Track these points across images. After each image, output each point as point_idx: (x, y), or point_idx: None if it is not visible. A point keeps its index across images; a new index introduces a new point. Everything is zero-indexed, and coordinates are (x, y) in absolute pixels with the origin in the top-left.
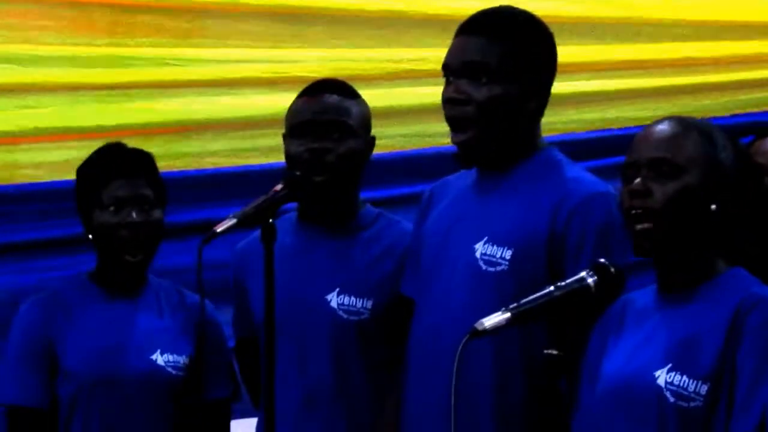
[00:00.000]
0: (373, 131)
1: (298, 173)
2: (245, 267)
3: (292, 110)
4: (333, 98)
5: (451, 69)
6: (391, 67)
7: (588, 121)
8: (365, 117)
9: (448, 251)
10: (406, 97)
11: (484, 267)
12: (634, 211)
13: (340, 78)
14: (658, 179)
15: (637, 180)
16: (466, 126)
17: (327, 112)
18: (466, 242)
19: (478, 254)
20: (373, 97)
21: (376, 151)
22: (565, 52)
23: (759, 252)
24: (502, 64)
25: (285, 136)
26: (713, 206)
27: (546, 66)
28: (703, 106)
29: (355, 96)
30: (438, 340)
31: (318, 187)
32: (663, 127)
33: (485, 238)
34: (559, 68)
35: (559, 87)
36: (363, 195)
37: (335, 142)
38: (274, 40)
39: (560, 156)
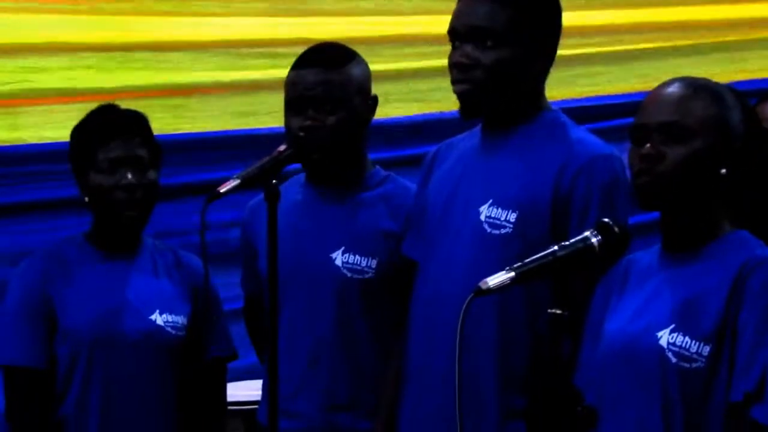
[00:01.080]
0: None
1: (293, 130)
2: (254, 225)
3: (286, 83)
4: (320, 72)
5: (457, 33)
6: (393, 30)
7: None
8: (359, 81)
9: (453, 213)
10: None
11: (488, 230)
12: (641, 180)
13: (341, 40)
14: (669, 143)
15: (648, 145)
16: (472, 85)
17: (315, 88)
18: (471, 204)
19: (482, 217)
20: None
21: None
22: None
23: (764, 215)
24: (508, 28)
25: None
26: (723, 170)
27: (551, 28)
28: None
29: (345, 62)
30: (442, 302)
31: (316, 163)
32: (673, 90)
33: (490, 201)
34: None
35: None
36: (376, 156)
37: (327, 115)
38: (276, 2)
39: (564, 118)
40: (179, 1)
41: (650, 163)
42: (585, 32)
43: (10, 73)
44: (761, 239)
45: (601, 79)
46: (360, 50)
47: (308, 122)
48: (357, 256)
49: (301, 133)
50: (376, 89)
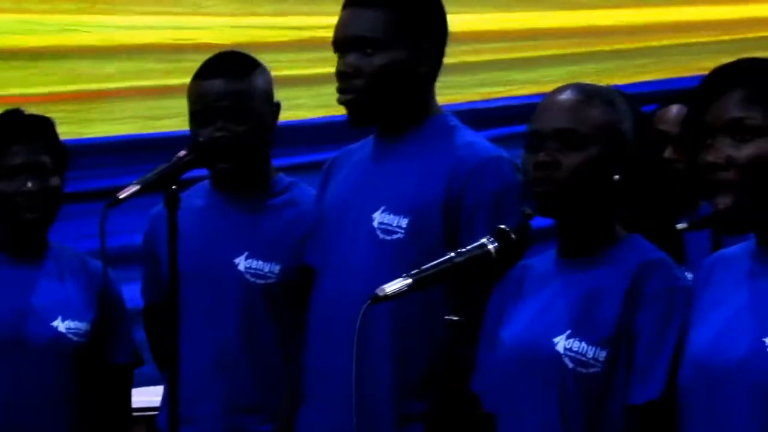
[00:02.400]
0: (279, 98)
1: (201, 139)
2: (156, 232)
3: (190, 93)
4: (227, 82)
5: (339, 44)
6: (295, 34)
7: (489, 89)
8: (264, 89)
9: (348, 220)
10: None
11: (381, 236)
12: (538, 182)
13: (243, 45)
14: (563, 150)
15: (542, 152)
16: (355, 94)
17: (223, 99)
18: (365, 211)
19: (375, 223)
20: (277, 65)
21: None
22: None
23: (655, 221)
24: (388, 34)
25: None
26: (616, 177)
27: (435, 31)
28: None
29: (250, 71)
30: (339, 308)
31: (224, 172)
32: (567, 96)
33: (382, 207)
34: (463, 36)
35: (463, 55)
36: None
37: (236, 125)
38: (178, 6)
39: (454, 121)
40: (85, 4)
41: (546, 171)
42: (490, 37)
43: None
44: (653, 243)
45: (502, 83)
46: (263, 55)
47: (218, 133)
48: (260, 261)
49: (206, 145)
50: (283, 93)
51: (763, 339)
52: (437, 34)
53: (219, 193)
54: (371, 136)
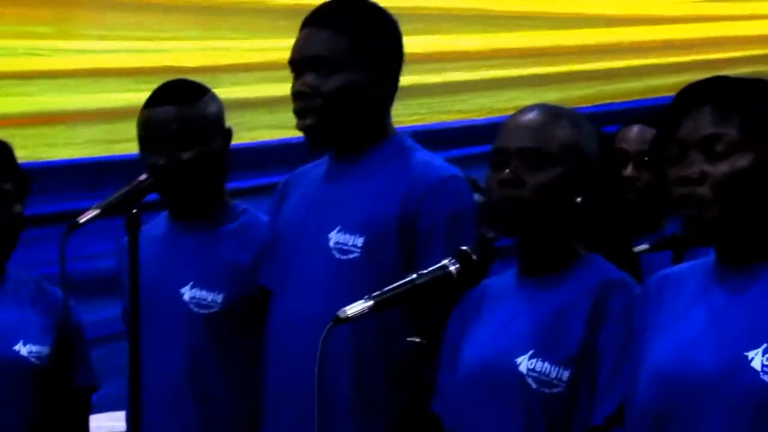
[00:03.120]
0: (240, 121)
1: (161, 162)
2: (123, 260)
3: (139, 122)
4: (174, 109)
5: (297, 63)
6: (257, 56)
7: (455, 110)
8: (213, 115)
9: (304, 240)
10: (272, 87)
11: (337, 255)
12: (503, 200)
13: (206, 68)
14: (528, 169)
15: (507, 170)
16: (314, 115)
17: (170, 125)
18: (321, 231)
19: (331, 243)
20: (240, 87)
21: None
22: (429, 42)
23: (613, 240)
24: (346, 55)
25: None
26: (579, 198)
27: (392, 53)
28: (569, 96)
29: (198, 98)
30: (298, 329)
31: (175, 197)
32: (532, 116)
33: (338, 227)
34: (424, 58)
35: (427, 77)
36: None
37: (183, 151)
38: (140, 30)
39: (410, 142)
40: (46, 28)
41: (510, 189)
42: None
43: None
44: (613, 263)
45: (461, 104)
46: (226, 76)
47: (163, 161)
48: (203, 291)
49: (158, 171)
50: (240, 116)
51: (745, 353)
52: (393, 56)
53: (174, 221)
54: (326, 156)
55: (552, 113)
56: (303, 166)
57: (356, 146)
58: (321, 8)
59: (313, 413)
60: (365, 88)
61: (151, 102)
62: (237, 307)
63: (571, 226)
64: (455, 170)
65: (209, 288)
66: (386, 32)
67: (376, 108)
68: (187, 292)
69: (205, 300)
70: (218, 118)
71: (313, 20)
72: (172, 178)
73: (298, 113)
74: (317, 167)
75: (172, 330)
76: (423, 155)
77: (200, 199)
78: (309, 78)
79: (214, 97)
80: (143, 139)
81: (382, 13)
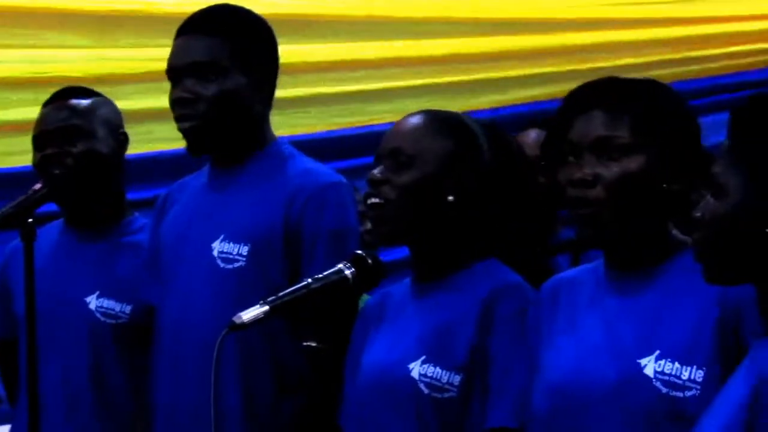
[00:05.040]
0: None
1: (57, 172)
2: (9, 268)
3: (34, 126)
4: (62, 106)
5: (176, 70)
6: (155, 65)
7: (347, 119)
8: (103, 115)
9: (186, 251)
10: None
11: (222, 265)
12: (371, 200)
13: (104, 77)
14: (395, 169)
15: (376, 170)
16: (196, 119)
17: (56, 121)
18: (204, 241)
19: (215, 252)
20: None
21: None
22: (320, 51)
23: (526, 245)
24: (225, 60)
25: None
26: (450, 197)
27: (269, 58)
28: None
29: (90, 96)
30: (185, 339)
31: (71, 195)
32: (408, 120)
33: (222, 236)
34: (313, 67)
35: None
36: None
37: (70, 146)
38: (37, 39)
39: (291, 149)
40: None
41: (376, 188)
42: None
43: None
44: (524, 270)
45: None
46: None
47: (50, 150)
48: (112, 301)
49: (42, 164)
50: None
51: (638, 361)
52: (270, 62)
53: (72, 229)
54: (206, 167)
55: (427, 117)
56: (183, 179)
57: (237, 152)
58: (197, 15)
59: (205, 421)
60: (245, 94)
61: (45, 103)
62: (143, 318)
63: (451, 227)
64: (339, 177)
65: (117, 299)
66: (263, 38)
67: (256, 115)
68: (94, 301)
69: (113, 310)
70: (110, 120)
71: (190, 27)
72: (61, 174)
73: (179, 119)
74: (197, 178)
75: (75, 338)
76: (305, 162)
77: (96, 204)
78: (189, 83)
79: (107, 101)
80: (35, 137)
81: (257, 19)
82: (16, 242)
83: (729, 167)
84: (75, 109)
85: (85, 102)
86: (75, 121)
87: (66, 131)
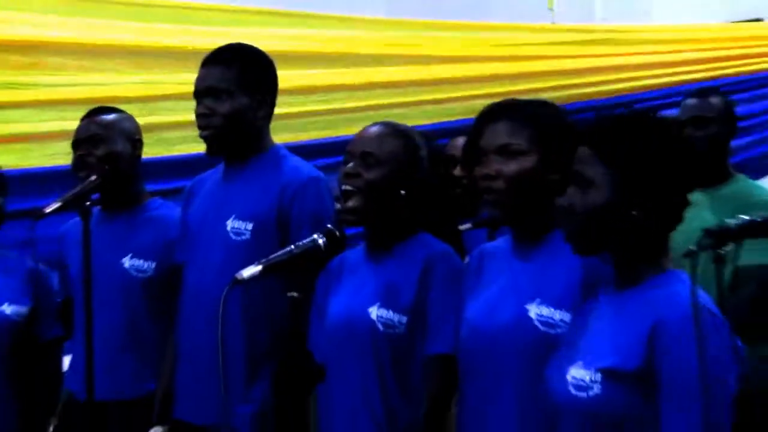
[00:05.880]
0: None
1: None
2: (63, 242)
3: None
4: (91, 120)
5: (198, 92)
6: (184, 89)
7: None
8: (120, 126)
9: (206, 227)
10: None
11: (233, 237)
12: (346, 188)
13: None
14: (366, 167)
15: (350, 165)
16: (213, 129)
17: (84, 132)
18: (219, 219)
19: (228, 228)
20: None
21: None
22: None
23: (444, 223)
24: (233, 85)
25: None
26: (402, 191)
27: (271, 84)
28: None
29: (113, 113)
30: (202, 294)
31: (106, 185)
32: (374, 128)
33: (233, 216)
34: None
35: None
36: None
37: (96, 149)
38: (95, 67)
39: (284, 151)
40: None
41: (351, 180)
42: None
43: None
44: (441, 239)
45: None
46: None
47: (81, 151)
48: (140, 260)
49: (78, 162)
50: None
51: (525, 306)
52: (270, 86)
53: (106, 213)
54: (219, 166)
55: (388, 127)
56: (203, 174)
57: (244, 155)
58: (215, 51)
59: (215, 363)
60: (250, 111)
61: (81, 118)
62: (165, 273)
63: (401, 211)
64: (318, 173)
65: (144, 258)
66: (263, 66)
67: (259, 126)
68: (128, 261)
69: (142, 267)
70: (126, 130)
71: (209, 60)
72: (89, 167)
73: (200, 129)
74: (214, 173)
75: (114, 290)
76: (294, 161)
77: (123, 194)
78: (208, 102)
79: (126, 116)
80: (72, 143)
81: (261, 54)
82: (70, 222)
83: (595, 165)
84: (100, 123)
85: (108, 117)
86: (99, 132)
87: (92, 139)
